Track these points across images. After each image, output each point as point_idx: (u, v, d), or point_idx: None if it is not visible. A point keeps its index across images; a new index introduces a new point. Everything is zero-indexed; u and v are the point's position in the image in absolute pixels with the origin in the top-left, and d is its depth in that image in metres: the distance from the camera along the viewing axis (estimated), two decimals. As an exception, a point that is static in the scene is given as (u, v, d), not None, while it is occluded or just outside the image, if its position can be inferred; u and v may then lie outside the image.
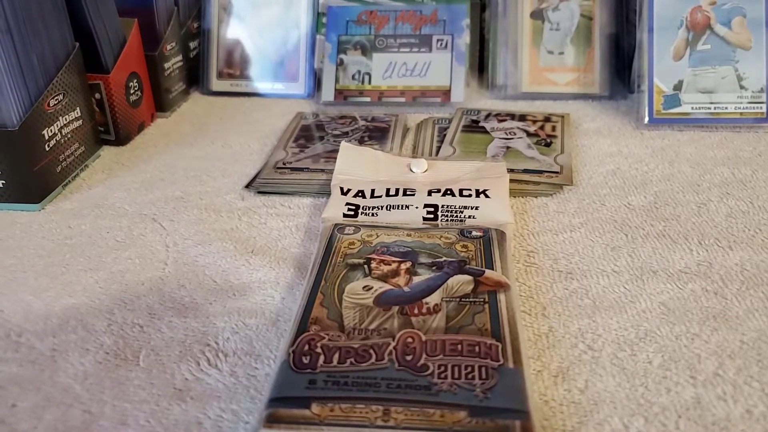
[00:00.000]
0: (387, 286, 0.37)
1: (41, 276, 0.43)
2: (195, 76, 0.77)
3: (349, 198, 0.48)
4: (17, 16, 0.48)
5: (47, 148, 0.51)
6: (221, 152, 0.61)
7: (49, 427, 0.31)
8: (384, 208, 0.47)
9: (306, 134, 0.62)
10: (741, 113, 0.62)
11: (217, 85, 0.77)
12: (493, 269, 0.39)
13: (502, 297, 0.36)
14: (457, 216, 0.46)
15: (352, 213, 0.47)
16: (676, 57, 0.63)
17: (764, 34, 0.62)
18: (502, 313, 0.34)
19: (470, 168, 0.52)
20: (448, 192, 0.48)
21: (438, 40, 0.71)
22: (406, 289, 0.37)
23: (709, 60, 0.62)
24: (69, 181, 0.55)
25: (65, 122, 0.54)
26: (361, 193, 0.49)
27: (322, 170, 0.54)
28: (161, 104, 0.69)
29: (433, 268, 0.39)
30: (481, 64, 0.76)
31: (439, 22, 0.72)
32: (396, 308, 0.35)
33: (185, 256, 0.44)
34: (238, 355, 0.35)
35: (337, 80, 0.72)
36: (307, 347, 0.32)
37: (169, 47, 0.70)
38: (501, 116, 0.65)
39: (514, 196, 0.51)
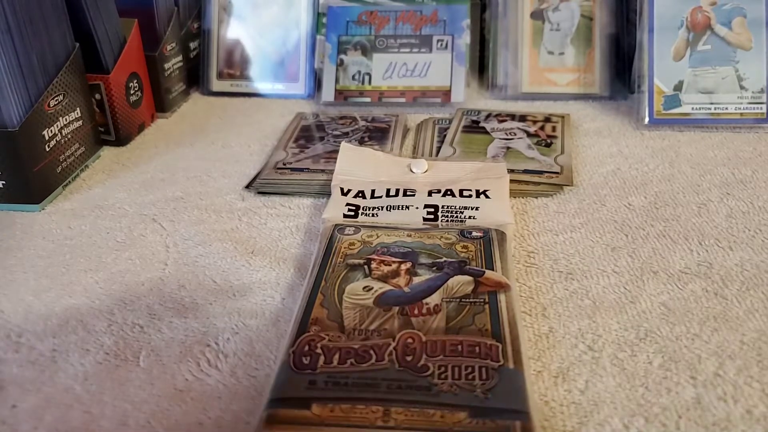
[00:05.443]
0: (387, 287, 0.37)
1: (41, 276, 0.43)
2: (195, 77, 0.77)
3: (350, 198, 0.48)
4: (17, 17, 0.48)
5: (47, 149, 0.51)
6: (221, 153, 0.61)
7: (49, 428, 0.31)
8: (384, 208, 0.47)
9: (306, 134, 0.62)
10: (741, 114, 0.62)
11: (217, 85, 0.77)
12: (493, 270, 0.39)
13: (502, 297, 0.36)
14: (457, 216, 0.46)
15: (353, 213, 0.47)
16: (676, 57, 0.63)
17: (764, 35, 0.62)
18: (502, 314, 0.34)
19: (470, 168, 0.52)
20: (449, 192, 0.48)
21: (438, 41, 0.71)
22: (406, 289, 0.37)
23: (709, 60, 0.62)
24: (69, 182, 0.55)
25: (65, 123, 0.54)
26: (361, 194, 0.49)
27: (323, 171, 0.54)
28: (161, 104, 0.69)
29: (434, 268, 0.39)
30: (481, 65, 0.76)
31: (439, 23, 0.72)
32: (396, 309, 0.35)
33: (185, 256, 0.44)
34: (238, 356, 0.35)
35: (337, 80, 0.72)
36: (307, 348, 0.32)
37: (169, 47, 0.70)
38: (501, 117, 0.65)
39: (515, 197, 0.51)
